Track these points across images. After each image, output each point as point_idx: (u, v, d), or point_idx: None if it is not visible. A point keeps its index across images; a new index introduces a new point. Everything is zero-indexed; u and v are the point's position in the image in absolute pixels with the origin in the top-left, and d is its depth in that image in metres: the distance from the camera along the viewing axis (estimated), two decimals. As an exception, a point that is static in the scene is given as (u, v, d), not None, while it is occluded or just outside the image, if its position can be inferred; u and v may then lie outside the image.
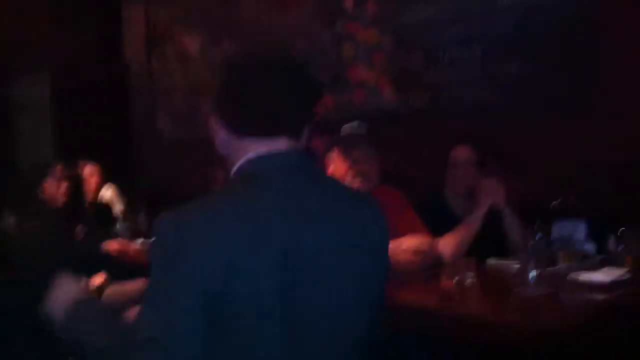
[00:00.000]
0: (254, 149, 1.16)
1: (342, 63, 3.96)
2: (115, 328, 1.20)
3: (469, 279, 2.13)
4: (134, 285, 2.48)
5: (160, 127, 5.67)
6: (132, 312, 1.85)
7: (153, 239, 1.11)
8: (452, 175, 2.83)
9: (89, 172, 3.98)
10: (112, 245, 3.22)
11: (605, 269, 2.20)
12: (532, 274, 1.98)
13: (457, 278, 2.15)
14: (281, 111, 1.16)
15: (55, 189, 3.19)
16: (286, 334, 1.07)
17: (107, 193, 4.33)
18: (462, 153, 2.82)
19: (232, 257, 1.03)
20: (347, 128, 2.52)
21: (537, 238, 2.22)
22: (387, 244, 1.26)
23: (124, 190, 4.42)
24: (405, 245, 2.38)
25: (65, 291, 1.33)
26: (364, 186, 2.45)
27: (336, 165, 2.49)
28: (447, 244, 2.53)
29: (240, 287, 1.04)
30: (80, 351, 1.20)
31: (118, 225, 3.68)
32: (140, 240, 3.41)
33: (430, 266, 2.42)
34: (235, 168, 1.18)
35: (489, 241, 2.62)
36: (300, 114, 1.19)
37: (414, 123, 3.56)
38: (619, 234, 2.38)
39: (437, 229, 2.58)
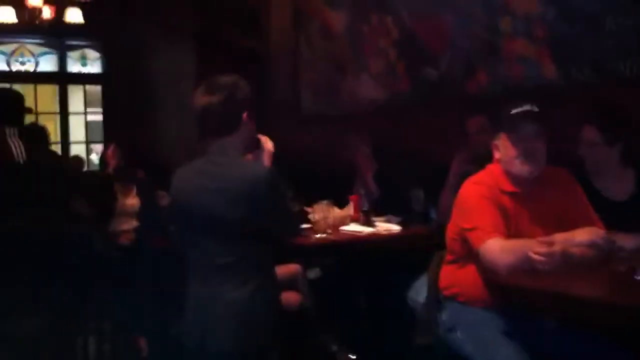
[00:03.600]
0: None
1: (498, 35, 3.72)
2: None
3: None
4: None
5: (302, 102, 5.68)
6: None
7: None
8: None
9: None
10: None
11: None
12: None
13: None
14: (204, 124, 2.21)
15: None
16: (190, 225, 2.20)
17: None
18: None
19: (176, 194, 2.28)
20: (516, 110, 2.32)
21: None
22: (254, 194, 2.06)
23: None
24: (579, 239, 2.18)
25: None
26: (533, 170, 2.28)
27: (504, 150, 2.32)
28: (628, 237, 2.30)
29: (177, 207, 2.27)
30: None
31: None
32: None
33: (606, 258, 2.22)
34: None
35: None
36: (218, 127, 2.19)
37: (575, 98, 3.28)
38: None
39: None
